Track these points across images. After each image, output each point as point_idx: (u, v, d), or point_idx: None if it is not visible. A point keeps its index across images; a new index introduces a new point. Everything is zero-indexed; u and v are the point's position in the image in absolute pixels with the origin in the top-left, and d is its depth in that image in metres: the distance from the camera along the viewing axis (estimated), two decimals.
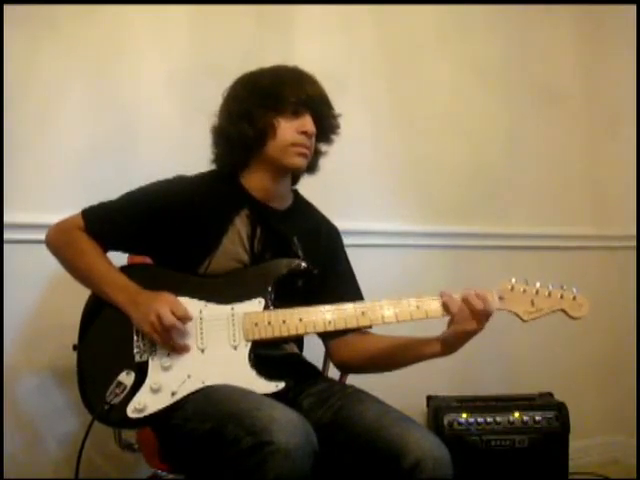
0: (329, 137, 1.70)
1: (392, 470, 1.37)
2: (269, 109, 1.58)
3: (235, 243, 1.63)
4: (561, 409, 2.32)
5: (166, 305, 1.49)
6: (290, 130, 1.59)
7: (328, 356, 1.77)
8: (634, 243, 2.78)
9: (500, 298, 1.52)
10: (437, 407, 2.33)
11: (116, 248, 1.67)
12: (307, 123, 1.60)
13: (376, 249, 2.48)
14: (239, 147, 1.62)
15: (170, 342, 1.51)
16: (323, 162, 1.74)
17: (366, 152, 2.50)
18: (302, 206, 1.77)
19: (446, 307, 1.51)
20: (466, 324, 1.48)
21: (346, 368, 1.76)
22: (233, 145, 1.63)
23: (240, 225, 1.64)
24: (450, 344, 1.52)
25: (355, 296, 1.69)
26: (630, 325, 2.78)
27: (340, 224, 1.84)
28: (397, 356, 1.61)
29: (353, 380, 1.77)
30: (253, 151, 1.63)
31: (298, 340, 1.73)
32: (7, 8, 1.98)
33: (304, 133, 1.60)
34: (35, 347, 2.05)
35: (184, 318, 1.51)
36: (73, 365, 1.59)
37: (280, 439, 1.27)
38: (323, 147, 1.71)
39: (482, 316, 1.47)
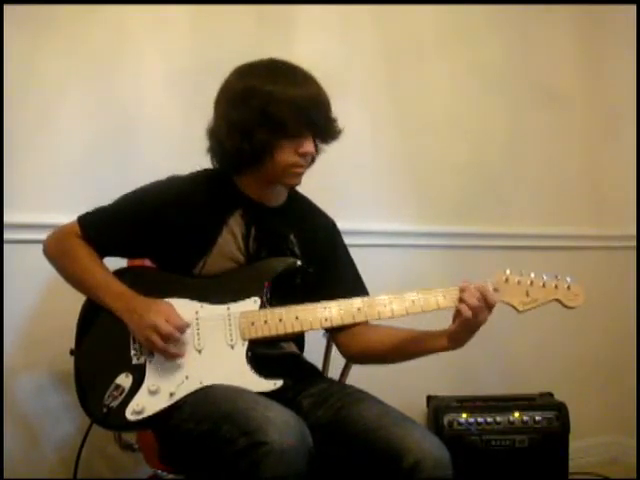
0: (328, 142, 1.65)
1: (392, 470, 1.37)
2: (271, 131, 1.52)
3: (230, 243, 1.62)
4: (561, 409, 2.33)
5: (161, 316, 1.48)
6: (289, 152, 1.55)
7: (337, 349, 1.74)
8: (634, 243, 2.78)
9: (495, 290, 1.52)
10: (437, 407, 2.34)
11: (113, 253, 1.67)
12: (308, 145, 1.56)
13: (376, 249, 2.48)
14: (234, 159, 1.59)
15: (166, 352, 1.49)
16: (323, 162, 1.74)
17: (366, 152, 2.50)
18: (297, 201, 1.76)
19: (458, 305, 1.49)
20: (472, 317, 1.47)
21: (354, 360, 1.75)
22: (228, 155, 1.59)
23: (234, 225, 1.63)
24: (457, 338, 1.51)
25: (358, 290, 1.69)
26: (630, 325, 2.78)
27: (340, 224, 1.83)
28: (405, 349, 1.60)
29: (353, 380, 1.77)
30: (248, 166, 1.59)
31: (298, 340, 1.73)
32: (7, 8, 1.98)
33: (303, 154, 1.57)
34: (35, 348, 2.05)
35: (180, 327, 1.50)
36: (72, 366, 1.58)
37: (274, 439, 1.27)
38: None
39: (487, 308, 1.47)
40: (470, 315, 1.46)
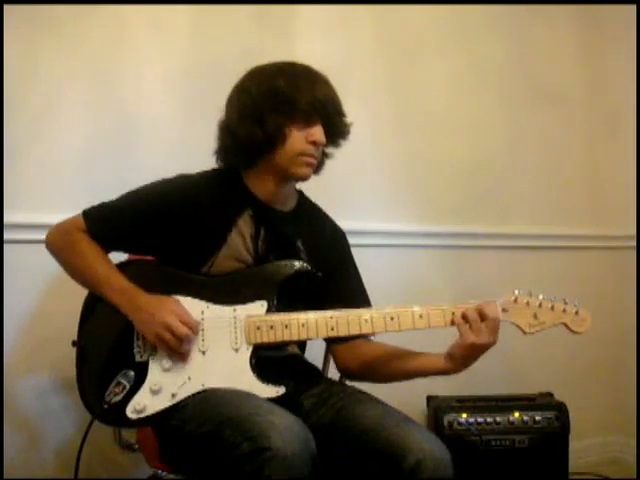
0: (338, 142, 1.66)
1: (393, 471, 1.37)
2: (282, 115, 1.54)
3: (238, 244, 1.61)
4: (561, 409, 2.33)
5: (173, 315, 1.47)
6: (300, 139, 1.56)
7: (333, 361, 1.74)
8: (634, 243, 2.78)
9: (503, 310, 1.51)
10: (437, 407, 2.34)
11: (117, 248, 1.66)
12: (317, 133, 1.57)
13: (375, 249, 2.48)
14: (246, 148, 1.59)
15: (178, 351, 1.49)
16: None
17: (366, 152, 2.50)
18: (307, 208, 1.75)
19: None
20: (469, 337, 1.47)
21: (349, 374, 1.73)
22: (240, 145, 1.59)
23: (243, 226, 1.62)
24: (455, 358, 1.50)
25: (362, 302, 1.68)
26: (630, 325, 2.78)
27: (340, 224, 1.83)
28: (398, 364, 1.60)
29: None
30: (260, 154, 1.60)
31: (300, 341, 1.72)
32: (7, 8, 1.98)
33: (313, 143, 1.57)
34: (35, 348, 2.05)
35: (194, 326, 1.49)
36: (73, 365, 1.58)
37: (278, 445, 1.26)
38: (330, 149, 1.68)
39: (485, 329, 1.47)
40: (470, 335, 1.46)
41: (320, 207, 1.80)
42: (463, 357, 1.49)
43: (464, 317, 1.48)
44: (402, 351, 1.61)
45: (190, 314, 1.51)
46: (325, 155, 1.68)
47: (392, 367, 1.61)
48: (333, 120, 1.60)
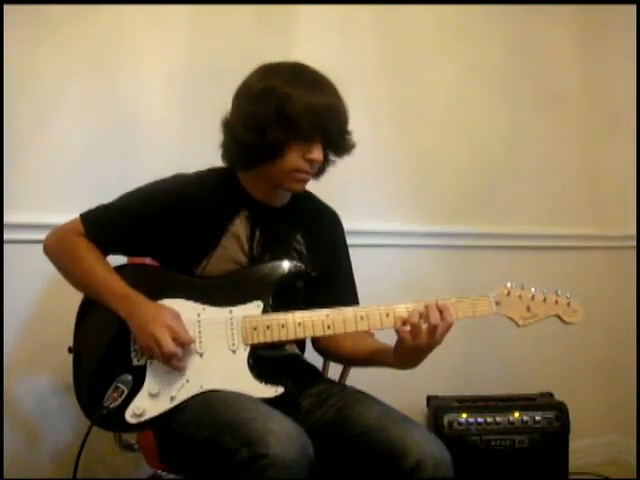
0: (340, 155, 1.65)
1: (392, 471, 1.36)
2: (284, 130, 1.51)
3: (233, 245, 1.61)
4: (561, 409, 2.33)
5: (166, 330, 1.46)
6: (297, 156, 1.54)
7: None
8: (634, 243, 2.78)
9: (497, 303, 1.53)
10: (437, 407, 2.34)
11: (116, 251, 1.65)
12: (316, 152, 1.55)
13: (375, 249, 2.48)
14: (245, 154, 1.58)
15: (167, 365, 1.49)
16: None
17: (366, 152, 2.47)
18: (301, 197, 1.73)
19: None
20: (412, 340, 1.46)
21: (319, 352, 1.77)
22: (240, 150, 1.58)
23: (239, 226, 1.62)
24: (401, 356, 1.50)
25: (351, 300, 1.69)
26: (630, 325, 2.78)
27: None
28: (367, 360, 1.63)
29: (353, 380, 1.78)
30: (257, 163, 1.58)
31: (299, 340, 1.72)
32: (7, 8, 1.98)
33: (310, 161, 1.56)
34: (35, 348, 2.05)
35: (185, 344, 1.48)
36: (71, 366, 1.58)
37: (276, 452, 1.26)
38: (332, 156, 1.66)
39: (431, 331, 1.46)
40: (406, 336, 1.46)
41: (313, 193, 1.79)
42: (408, 355, 1.50)
43: (404, 321, 1.47)
44: (372, 345, 1.63)
45: (185, 330, 1.50)
46: (327, 162, 1.65)
47: (360, 360, 1.66)
48: (335, 140, 1.58)
